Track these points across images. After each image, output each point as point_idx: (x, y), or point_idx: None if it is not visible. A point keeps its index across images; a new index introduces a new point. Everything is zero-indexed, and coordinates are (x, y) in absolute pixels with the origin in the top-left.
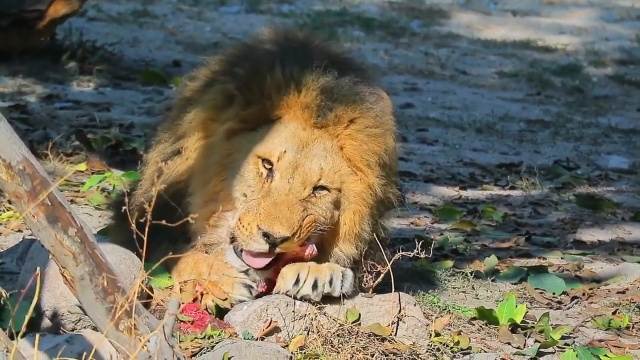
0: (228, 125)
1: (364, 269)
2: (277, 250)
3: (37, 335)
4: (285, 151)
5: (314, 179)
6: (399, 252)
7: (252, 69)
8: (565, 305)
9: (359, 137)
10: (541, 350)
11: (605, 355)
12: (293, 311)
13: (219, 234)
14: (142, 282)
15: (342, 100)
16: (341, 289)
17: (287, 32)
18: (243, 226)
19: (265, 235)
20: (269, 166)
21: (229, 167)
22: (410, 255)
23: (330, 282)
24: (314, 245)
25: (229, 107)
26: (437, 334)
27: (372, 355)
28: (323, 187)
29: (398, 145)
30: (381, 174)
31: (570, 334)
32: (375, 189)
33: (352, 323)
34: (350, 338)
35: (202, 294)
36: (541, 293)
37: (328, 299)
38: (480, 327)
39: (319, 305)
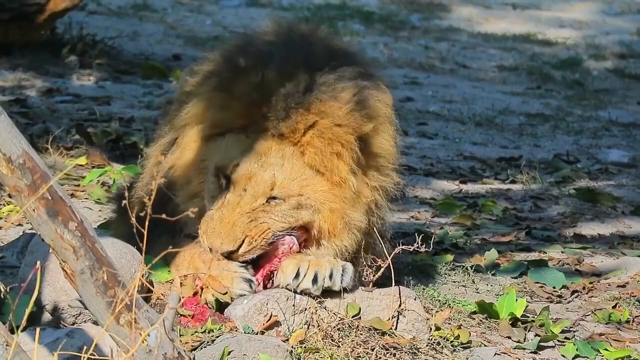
0: (204, 129)
1: (364, 263)
2: (234, 258)
3: (38, 329)
4: (238, 164)
5: (266, 189)
6: (399, 246)
7: (235, 70)
8: (566, 299)
9: (317, 143)
10: (541, 344)
11: (606, 349)
12: (293, 305)
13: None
14: (142, 276)
15: (298, 107)
16: (341, 283)
17: (290, 25)
18: (202, 236)
19: (212, 249)
20: (226, 177)
21: (204, 172)
22: (411, 249)
23: (331, 276)
24: (294, 240)
25: (208, 110)
26: (438, 328)
27: (373, 349)
28: (276, 197)
29: (395, 135)
30: (354, 169)
31: (570, 327)
32: (347, 184)
33: (352, 317)
34: (350, 332)
35: (202, 288)
36: (541, 287)
37: (328, 293)
38: (481, 321)
39: (319, 299)
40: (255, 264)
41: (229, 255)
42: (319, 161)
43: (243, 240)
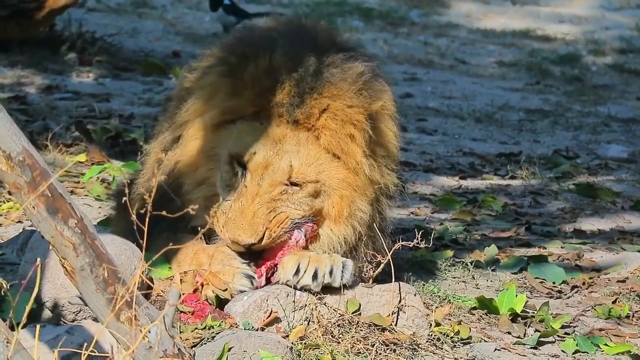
0: (212, 117)
1: (364, 259)
2: (254, 248)
3: (38, 326)
4: (255, 152)
5: (283, 178)
6: (399, 241)
7: (241, 56)
8: (566, 295)
9: (332, 125)
10: (541, 339)
11: (605, 344)
12: (293, 301)
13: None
14: (142, 273)
15: (311, 91)
16: (341, 279)
17: (290, 19)
18: (219, 228)
19: (232, 241)
20: (242, 166)
21: (213, 159)
22: (410, 245)
23: (331, 273)
24: (302, 234)
25: (215, 97)
26: (438, 324)
27: (373, 345)
28: (294, 184)
29: (397, 131)
30: (367, 152)
31: (570, 323)
32: (362, 168)
33: (352, 313)
34: (350, 328)
35: (202, 285)
36: (541, 282)
37: (328, 289)
38: (481, 316)
39: (319, 296)
40: (258, 257)
41: (250, 247)
42: (335, 144)
43: (264, 232)
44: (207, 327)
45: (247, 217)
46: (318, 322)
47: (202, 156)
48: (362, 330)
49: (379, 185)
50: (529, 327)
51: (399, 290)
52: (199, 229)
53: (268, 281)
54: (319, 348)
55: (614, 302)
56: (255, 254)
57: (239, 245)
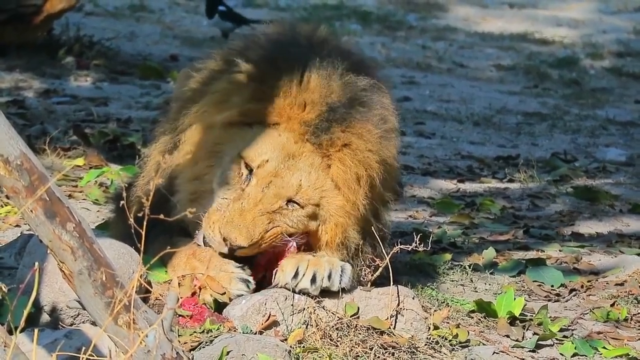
0: (228, 115)
1: (363, 262)
2: (237, 254)
3: (36, 330)
4: (267, 160)
5: (289, 194)
6: (397, 245)
7: (269, 61)
8: (564, 298)
9: (347, 162)
10: (540, 342)
11: (604, 347)
12: (292, 305)
13: (197, 211)
14: (140, 277)
15: (341, 122)
16: (340, 283)
17: (296, 24)
18: (209, 224)
19: (224, 239)
20: (249, 169)
21: (216, 156)
22: (409, 249)
23: (329, 276)
24: (294, 243)
25: (234, 96)
26: (436, 327)
27: (371, 349)
28: (297, 203)
29: (397, 151)
30: (368, 195)
31: (568, 326)
32: (358, 205)
33: (350, 316)
34: (349, 331)
35: (200, 289)
36: (539, 285)
37: (327, 292)
38: (479, 320)
39: (317, 299)
40: (252, 262)
41: (238, 249)
42: (343, 179)
43: (258, 240)
44: (205, 331)
45: (247, 220)
46: (316, 326)
47: (204, 151)
48: (360, 334)
49: (371, 220)
50: (527, 330)
51: (398, 293)
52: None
53: (260, 288)
54: (317, 351)
55: (612, 305)
56: (237, 259)
57: (225, 245)
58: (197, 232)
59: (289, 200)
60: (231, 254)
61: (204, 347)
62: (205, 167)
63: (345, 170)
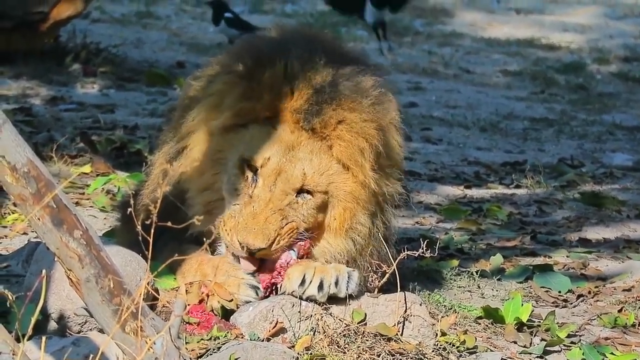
0: (222, 120)
1: (369, 268)
2: (257, 255)
3: (44, 338)
4: (269, 157)
5: (296, 185)
6: (404, 251)
7: (255, 59)
8: (571, 304)
9: (346, 136)
10: (547, 348)
11: (612, 353)
12: (299, 312)
13: (215, 221)
14: (147, 284)
15: (330, 102)
16: (347, 289)
17: (294, 27)
18: (226, 230)
19: (242, 245)
20: (253, 170)
21: (220, 163)
22: (416, 255)
23: (336, 283)
24: (293, 255)
25: (226, 98)
26: (443, 334)
27: (379, 355)
28: (307, 191)
29: (402, 141)
30: (374, 167)
31: (576, 332)
32: (368, 184)
33: (358, 323)
34: (356, 338)
35: (207, 295)
36: (547, 291)
37: (334, 299)
38: (487, 326)
39: (324, 306)
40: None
41: (258, 252)
42: (347, 155)
43: (275, 238)
44: (212, 338)
45: (260, 222)
46: (324, 333)
47: (208, 160)
48: (368, 340)
49: (383, 197)
50: (535, 336)
51: (405, 300)
52: (204, 239)
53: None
54: (325, 358)
55: (619, 311)
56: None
57: (245, 250)
58: (217, 244)
59: (298, 193)
60: (252, 258)
61: (211, 355)
62: (212, 176)
63: (346, 145)
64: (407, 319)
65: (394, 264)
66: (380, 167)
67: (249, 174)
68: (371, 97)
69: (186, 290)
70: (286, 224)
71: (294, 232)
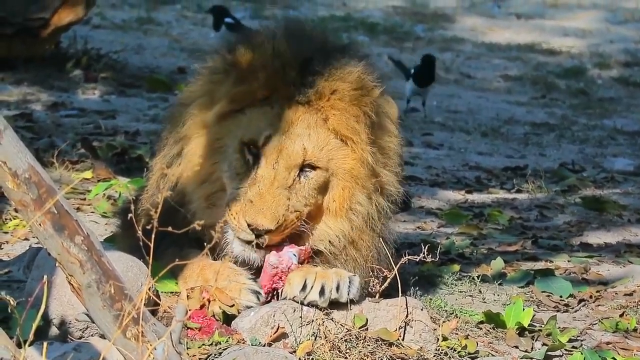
0: (219, 108)
1: (371, 273)
2: (264, 239)
3: (45, 344)
4: (269, 135)
5: (298, 161)
6: (406, 256)
7: (244, 46)
8: (573, 308)
9: (340, 105)
10: (549, 353)
11: (613, 358)
12: (300, 317)
13: (216, 214)
14: (149, 289)
15: (322, 74)
16: (348, 294)
17: (282, 21)
18: (232, 215)
19: (250, 226)
20: (254, 151)
21: (219, 152)
22: (417, 260)
23: (337, 288)
24: (292, 259)
25: (221, 87)
26: (445, 338)
27: None
28: (310, 166)
29: (401, 143)
30: (371, 138)
31: (577, 336)
32: (366, 159)
33: (359, 328)
34: (357, 343)
35: (209, 301)
36: (548, 296)
37: (335, 304)
38: (488, 330)
39: (326, 311)
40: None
41: (265, 234)
42: (343, 124)
43: (282, 222)
44: (214, 343)
45: (268, 201)
46: (325, 338)
47: (206, 151)
48: (369, 345)
49: (380, 182)
50: (536, 341)
51: (406, 304)
52: (204, 244)
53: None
54: None
55: (621, 316)
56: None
57: (254, 231)
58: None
59: (301, 170)
60: (258, 244)
61: None
62: (211, 166)
63: (340, 114)
64: (408, 324)
65: (395, 269)
66: (375, 141)
67: (250, 157)
68: (360, 68)
69: (187, 296)
70: (292, 212)
71: (298, 222)
